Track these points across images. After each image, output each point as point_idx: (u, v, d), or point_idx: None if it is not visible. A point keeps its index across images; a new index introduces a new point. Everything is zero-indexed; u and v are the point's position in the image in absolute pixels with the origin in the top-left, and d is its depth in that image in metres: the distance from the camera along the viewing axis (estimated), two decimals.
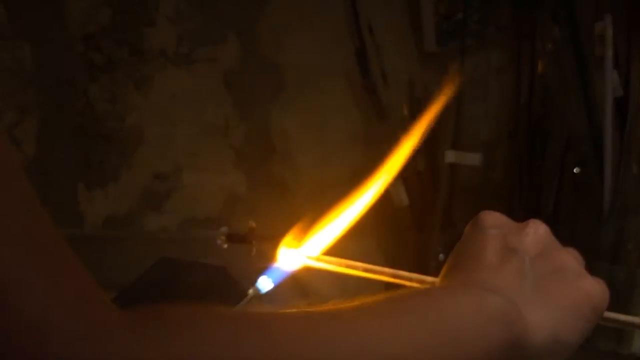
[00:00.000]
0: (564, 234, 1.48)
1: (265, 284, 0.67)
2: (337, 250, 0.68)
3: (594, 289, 0.58)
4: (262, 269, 0.74)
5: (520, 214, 1.27)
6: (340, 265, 0.73)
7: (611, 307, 1.42)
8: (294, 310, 0.47)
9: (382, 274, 0.72)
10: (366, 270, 0.74)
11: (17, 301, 0.35)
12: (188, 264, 1.06)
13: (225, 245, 0.86)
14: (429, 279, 0.66)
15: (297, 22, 1.30)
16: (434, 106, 0.87)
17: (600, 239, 1.33)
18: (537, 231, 0.58)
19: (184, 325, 0.40)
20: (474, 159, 1.33)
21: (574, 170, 1.33)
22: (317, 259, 0.71)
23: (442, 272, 0.59)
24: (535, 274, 0.56)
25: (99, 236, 1.18)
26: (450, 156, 1.33)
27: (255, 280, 0.66)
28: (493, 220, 0.59)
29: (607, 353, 1.22)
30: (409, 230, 1.33)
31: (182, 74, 1.22)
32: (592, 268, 1.45)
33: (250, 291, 0.70)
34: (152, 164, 1.21)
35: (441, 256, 1.29)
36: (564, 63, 1.31)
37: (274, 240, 0.76)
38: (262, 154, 1.30)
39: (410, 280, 0.68)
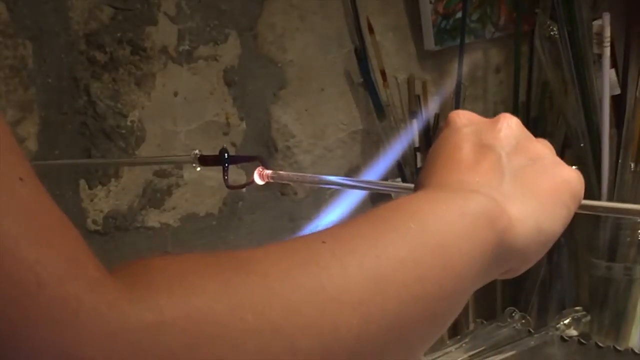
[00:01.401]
0: (562, 231, 1.48)
1: None
2: None
3: (571, 176, 0.58)
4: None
5: None
6: (313, 180, 0.75)
7: (609, 303, 1.42)
8: (277, 244, 0.46)
9: (358, 186, 0.72)
10: (342, 183, 0.75)
11: (8, 267, 0.35)
12: None
13: (198, 168, 0.87)
14: (408, 185, 0.66)
15: (297, 21, 1.31)
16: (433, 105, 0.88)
17: (598, 236, 1.34)
18: (509, 125, 0.58)
19: (174, 280, 0.40)
20: None
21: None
22: (292, 175, 0.72)
23: (419, 177, 0.58)
24: (512, 167, 0.56)
25: (101, 233, 1.19)
26: None
27: None
28: (465, 118, 0.59)
29: (604, 349, 1.23)
30: None
31: (184, 72, 1.22)
32: (589, 265, 1.47)
33: None
34: None
35: None
36: (562, 62, 1.32)
37: (247, 160, 0.77)
38: (262, 151, 1.31)
39: (389, 188, 0.68)
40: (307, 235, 0.47)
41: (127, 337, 0.37)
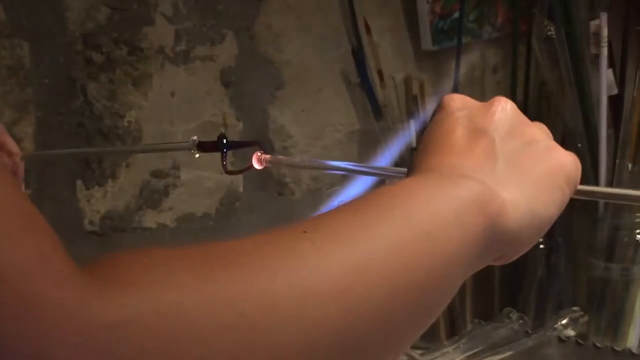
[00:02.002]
0: (560, 232, 1.49)
1: None
2: None
3: (566, 160, 0.57)
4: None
5: None
6: (311, 165, 0.74)
7: (607, 304, 1.42)
8: (255, 235, 0.44)
9: (353, 171, 0.72)
10: (337, 168, 0.74)
11: None
12: None
13: (197, 155, 0.86)
14: (401, 169, 0.65)
15: (294, 21, 1.31)
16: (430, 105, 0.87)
17: (596, 236, 1.33)
18: (504, 109, 0.57)
19: (143, 274, 0.38)
20: None
21: None
22: (290, 160, 0.72)
23: (412, 161, 0.57)
24: (506, 151, 0.55)
25: (98, 233, 1.19)
26: None
27: None
28: (459, 102, 0.58)
29: (602, 349, 1.23)
30: None
31: (181, 73, 1.22)
32: (587, 265, 1.46)
33: None
34: (150, 162, 1.22)
35: None
36: (559, 62, 1.32)
37: (245, 145, 0.77)
38: None
39: (385, 172, 0.67)
40: (288, 226, 0.46)
41: (95, 335, 0.36)
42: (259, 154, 0.76)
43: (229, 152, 0.82)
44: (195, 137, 0.86)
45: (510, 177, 0.54)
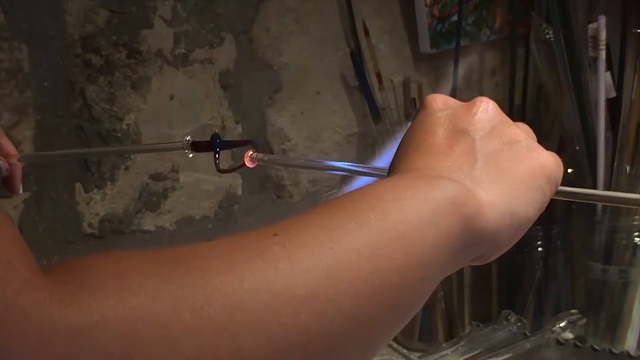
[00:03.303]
0: (557, 234, 1.49)
1: None
2: None
3: (547, 160, 0.56)
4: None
5: None
6: (303, 164, 0.75)
7: (604, 306, 1.42)
8: (225, 238, 0.44)
9: (338, 169, 0.72)
10: (329, 167, 0.75)
11: None
12: None
13: (191, 155, 0.86)
14: (381, 168, 0.65)
15: (293, 24, 1.31)
16: None
17: (593, 239, 1.34)
18: (486, 109, 0.57)
19: (111, 279, 0.38)
20: None
21: (568, 171, 1.34)
22: (282, 158, 0.72)
23: (391, 161, 0.57)
24: (486, 152, 0.54)
25: (97, 236, 1.19)
26: None
27: None
28: (440, 102, 0.57)
29: (600, 351, 1.23)
30: None
31: (179, 75, 1.22)
32: (585, 268, 1.47)
33: None
34: (149, 165, 1.22)
35: None
36: (557, 65, 1.32)
37: (238, 144, 0.77)
38: None
39: (375, 172, 0.67)
40: (259, 229, 0.45)
41: (58, 341, 0.36)
42: (251, 152, 0.76)
43: (228, 156, 0.82)
44: (188, 137, 0.86)
45: (489, 177, 0.53)
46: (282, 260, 0.43)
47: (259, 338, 0.40)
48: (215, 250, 0.43)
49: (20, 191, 1.01)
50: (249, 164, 0.76)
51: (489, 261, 0.55)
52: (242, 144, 0.79)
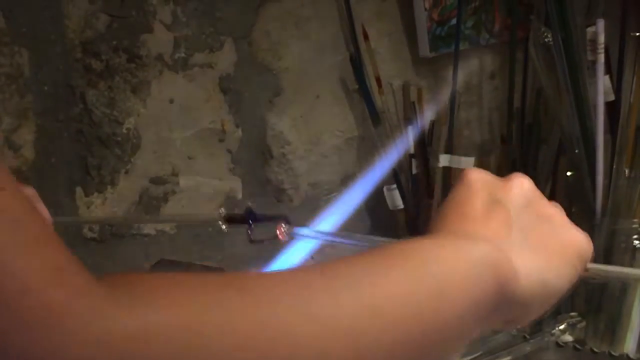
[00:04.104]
0: None
1: None
2: None
3: (580, 237, 0.59)
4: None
5: None
6: (333, 238, 0.77)
7: (604, 309, 1.42)
8: (274, 271, 0.47)
9: (375, 243, 0.74)
10: (361, 240, 0.76)
11: None
12: (186, 266, 1.08)
13: (225, 227, 0.89)
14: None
15: (292, 28, 1.31)
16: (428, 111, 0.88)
17: (593, 242, 1.34)
18: (522, 184, 0.59)
19: (162, 290, 0.40)
20: (467, 162, 1.34)
21: (567, 174, 1.34)
22: (311, 232, 0.75)
23: (429, 226, 0.59)
24: (521, 223, 0.57)
25: (97, 240, 1.19)
26: (445, 160, 1.34)
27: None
28: (479, 175, 0.59)
29: (599, 354, 1.23)
30: (402, 233, 1.34)
31: (179, 80, 1.23)
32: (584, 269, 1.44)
33: None
34: (150, 169, 1.22)
35: None
36: (556, 68, 1.32)
37: (272, 219, 0.80)
38: (258, 158, 1.31)
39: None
40: (306, 266, 0.48)
41: (113, 344, 0.37)
42: (283, 226, 0.79)
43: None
44: (222, 209, 0.90)
45: (524, 247, 0.55)
46: (326, 294, 0.45)
47: None
48: (265, 279, 0.45)
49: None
50: (281, 236, 0.79)
51: (517, 327, 0.57)
52: (275, 219, 0.82)
